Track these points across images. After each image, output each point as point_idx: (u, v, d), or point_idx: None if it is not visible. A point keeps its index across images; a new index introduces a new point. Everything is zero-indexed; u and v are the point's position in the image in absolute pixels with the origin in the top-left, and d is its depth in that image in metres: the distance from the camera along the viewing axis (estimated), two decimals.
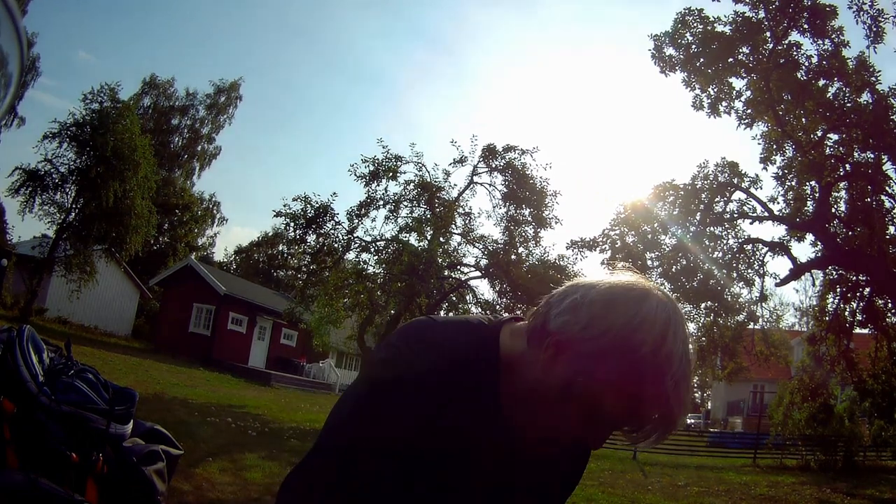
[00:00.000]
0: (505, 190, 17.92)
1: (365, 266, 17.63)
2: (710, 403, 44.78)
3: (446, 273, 17.91)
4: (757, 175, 16.49)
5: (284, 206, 17.15)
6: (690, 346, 0.97)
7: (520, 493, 1.08)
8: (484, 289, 19.25)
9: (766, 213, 14.14)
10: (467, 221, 18.31)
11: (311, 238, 17.59)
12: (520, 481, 1.07)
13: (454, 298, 18.83)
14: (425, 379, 0.96)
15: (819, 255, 14.00)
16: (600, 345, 0.92)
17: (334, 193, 28.58)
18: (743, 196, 14.35)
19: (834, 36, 12.60)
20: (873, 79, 12.48)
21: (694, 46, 13.54)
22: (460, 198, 18.13)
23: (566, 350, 0.94)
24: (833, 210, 13.90)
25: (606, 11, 71.16)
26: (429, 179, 17.67)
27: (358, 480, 0.95)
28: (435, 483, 0.99)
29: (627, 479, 12.28)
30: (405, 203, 17.43)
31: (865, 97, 12.71)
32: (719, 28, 13.34)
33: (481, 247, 18.05)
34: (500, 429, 1.01)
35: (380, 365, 1.02)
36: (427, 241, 16.67)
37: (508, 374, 1.01)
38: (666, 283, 14.16)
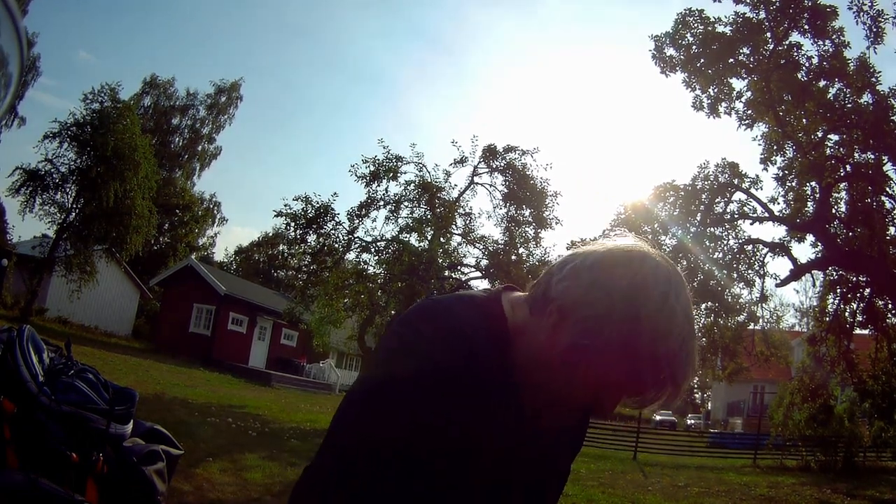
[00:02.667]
0: (505, 190, 17.93)
1: (365, 266, 17.65)
2: (710, 404, 44.78)
3: (447, 273, 17.90)
4: (757, 176, 16.53)
5: (285, 206, 17.19)
6: (693, 307, 0.97)
7: (532, 474, 1.07)
8: None
9: (766, 214, 14.14)
10: (468, 222, 18.34)
11: (311, 238, 17.62)
12: (532, 464, 1.06)
13: None
14: (440, 369, 0.93)
15: (819, 255, 14.00)
16: (602, 308, 0.91)
17: (335, 193, 28.65)
18: (743, 197, 14.37)
19: (834, 37, 12.60)
20: (874, 79, 12.48)
21: (694, 47, 13.54)
22: (461, 198, 18.15)
23: (568, 315, 0.93)
24: (833, 211, 13.90)
25: (606, 11, 71.30)
26: (429, 180, 17.68)
27: (377, 482, 0.91)
28: (451, 476, 0.95)
29: (628, 479, 12.28)
30: (406, 203, 17.45)
31: (866, 98, 12.71)
32: (720, 29, 13.35)
33: (482, 247, 18.07)
34: (515, 405, 0.99)
35: (391, 357, 0.98)
36: (427, 242, 16.68)
37: (516, 347, 0.99)
38: None
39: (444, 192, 17.77)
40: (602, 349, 0.91)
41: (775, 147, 14.08)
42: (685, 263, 13.91)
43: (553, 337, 0.95)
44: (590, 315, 0.92)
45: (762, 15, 13.01)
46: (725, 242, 14.46)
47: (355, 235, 17.49)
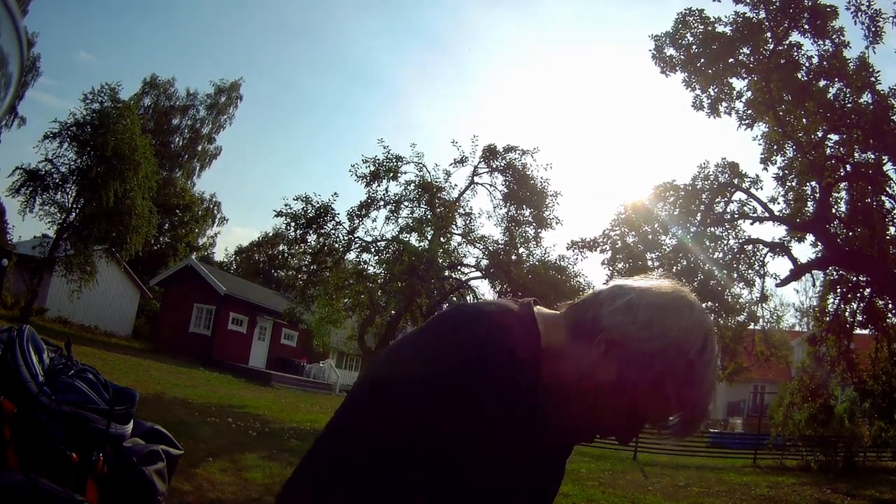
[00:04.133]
0: (505, 190, 17.92)
1: (365, 266, 17.64)
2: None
3: (447, 273, 17.91)
4: (757, 175, 16.49)
5: (285, 205, 17.17)
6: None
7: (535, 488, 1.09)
8: (484, 289, 19.25)
9: (766, 214, 14.14)
10: (468, 222, 18.34)
11: (311, 238, 17.60)
12: (536, 477, 1.08)
13: (455, 299, 18.82)
14: (446, 374, 0.93)
15: (819, 255, 14.00)
16: (654, 346, 0.97)
17: (335, 193, 28.62)
18: (743, 196, 14.36)
19: (834, 36, 12.59)
20: (873, 79, 12.47)
21: (694, 47, 13.54)
22: (461, 198, 18.14)
23: (618, 348, 0.99)
24: (833, 210, 13.89)
25: (606, 11, 71.16)
26: (429, 180, 17.68)
27: (376, 480, 0.91)
28: (452, 478, 0.95)
29: (628, 479, 12.28)
30: (406, 203, 17.44)
31: (866, 98, 12.70)
32: (720, 28, 13.34)
33: (482, 247, 18.07)
34: (523, 415, 1.00)
35: (401, 358, 1.00)
36: (428, 242, 16.67)
37: (547, 367, 1.01)
38: None
39: (444, 192, 17.77)
40: (644, 386, 0.98)
41: (775, 147, 14.07)
42: (685, 263, 13.92)
43: (598, 366, 1.00)
44: (640, 352, 0.98)
45: (762, 15, 13.01)
46: (725, 242, 14.47)
47: (355, 235, 17.49)
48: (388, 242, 17.22)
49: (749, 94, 13.96)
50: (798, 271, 14.12)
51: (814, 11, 12.42)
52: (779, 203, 14.25)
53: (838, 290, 14.67)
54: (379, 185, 17.42)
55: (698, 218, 14.05)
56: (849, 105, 12.73)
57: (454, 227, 17.91)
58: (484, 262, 17.91)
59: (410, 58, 75.42)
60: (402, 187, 17.53)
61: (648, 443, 17.69)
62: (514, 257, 17.50)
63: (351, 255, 17.79)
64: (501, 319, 1.02)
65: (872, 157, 13.12)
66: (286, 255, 41.68)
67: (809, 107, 13.11)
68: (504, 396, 0.96)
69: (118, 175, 21.36)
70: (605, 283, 1.08)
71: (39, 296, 22.97)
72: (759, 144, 14.30)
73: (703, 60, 13.51)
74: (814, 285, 16.42)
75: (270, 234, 47.79)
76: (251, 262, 51.46)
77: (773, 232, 46.77)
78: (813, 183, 13.81)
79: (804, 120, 13.70)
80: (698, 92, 14.08)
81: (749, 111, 14.03)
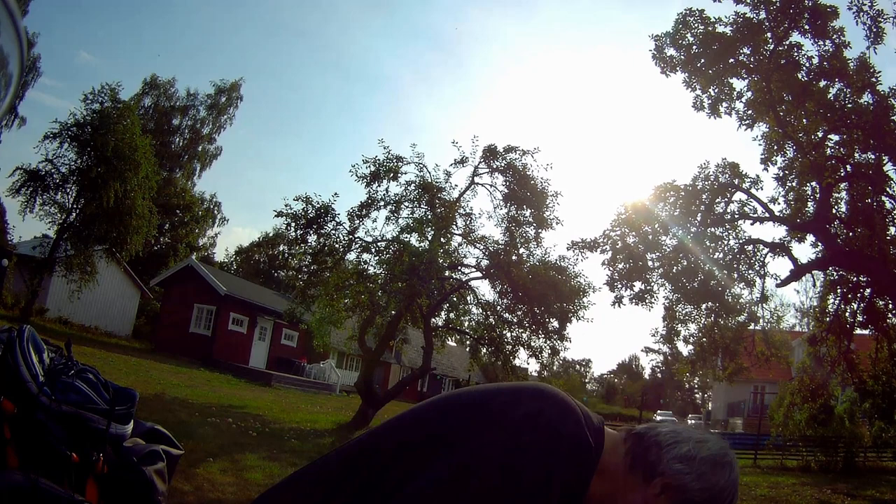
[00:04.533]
0: (506, 190, 17.89)
1: (366, 266, 17.61)
2: (710, 404, 44.71)
3: (447, 274, 17.88)
4: (758, 176, 16.45)
5: (285, 206, 17.10)
6: None
7: None
8: (485, 289, 19.29)
9: (766, 214, 14.12)
10: (468, 222, 18.30)
11: (311, 238, 17.56)
12: None
13: (455, 299, 18.83)
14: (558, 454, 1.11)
15: (820, 255, 13.99)
16: (702, 496, 1.16)
17: (335, 194, 28.50)
18: (744, 197, 14.35)
19: (835, 37, 12.58)
20: (874, 79, 12.46)
21: (695, 47, 13.53)
22: (461, 198, 18.10)
23: (673, 494, 1.16)
24: (834, 211, 13.88)
25: (606, 13, 71.21)
26: (430, 180, 17.65)
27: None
28: None
29: None
30: (406, 204, 17.41)
31: (866, 98, 12.69)
32: (720, 29, 13.33)
33: (482, 247, 18.04)
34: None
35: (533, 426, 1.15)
36: (428, 242, 16.65)
37: (599, 482, 1.16)
38: (667, 284, 14.17)
39: (444, 193, 17.73)
40: None
41: (776, 147, 14.07)
42: (685, 263, 13.91)
43: (649, 503, 1.16)
44: (690, 499, 1.16)
45: (762, 15, 13.00)
46: (726, 242, 14.45)
47: (356, 236, 17.45)
48: (389, 243, 17.20)
49: (749, 94, 13.96)
50: (798, 271, 14.11)
51: (814, 12, 12.41)
52: (779, 203, 14.27)
53: (838, 291, 14.66)
54: (379, 186, 17.40)
55: (698, 218, 14.04)
56: (849, 105, 12.72)
57: (454, 227, 17.88)
58: (484, 263, 17.89)
59: (411, 58, 75.59)
60: (403, 188, 17.51)
61: None
62: (514, 258, 17.48)
63: (351, 256, 17.77)
64: (585, 424, 1.17)
65: (872, 157, 13.11)
66: (286, 255, 41.62)
67: (810, 107, 13.10)
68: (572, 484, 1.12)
69: (118, 175, 21.35)
70: (660, 419, 1.26)
71: (39, 296, 22.98)
72: (760, 145, 14.31)
73: (703, 61, 13.49)
74: (814, 285, 16.44)
75: (270, 235, 47.90)
76: (251, 262, 51.48)
77: (773, 232, 46.85)
78: (813, 183, 13.80)
79: (804, 120, 13.69)
80: (699, 92, 14.07)
81: (749, 111, 14.02)
